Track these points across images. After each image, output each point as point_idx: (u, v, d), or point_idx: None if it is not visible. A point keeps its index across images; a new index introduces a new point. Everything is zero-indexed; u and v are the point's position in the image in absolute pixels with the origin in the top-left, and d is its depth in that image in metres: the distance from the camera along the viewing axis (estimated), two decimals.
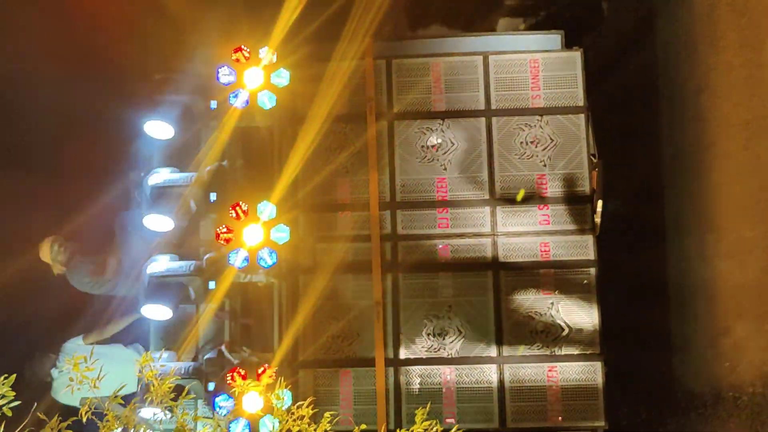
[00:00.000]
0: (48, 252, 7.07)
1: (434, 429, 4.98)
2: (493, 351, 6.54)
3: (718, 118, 6.70)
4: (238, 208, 6.07)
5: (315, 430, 4.87)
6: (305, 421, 4.88)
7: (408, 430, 5.22)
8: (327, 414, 5.07)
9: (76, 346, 6.87)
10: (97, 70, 7.64)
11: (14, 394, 4.20)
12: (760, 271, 5.99)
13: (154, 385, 4.71)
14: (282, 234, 6.09)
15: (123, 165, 7.06)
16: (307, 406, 4.98)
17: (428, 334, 6.59)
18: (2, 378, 4.16)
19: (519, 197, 6.65)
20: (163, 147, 6.82)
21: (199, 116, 6.76)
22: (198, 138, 6.88)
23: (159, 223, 6.52)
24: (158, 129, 6.68)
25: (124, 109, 6.90)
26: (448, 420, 6.34)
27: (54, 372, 6.80)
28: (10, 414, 4.23)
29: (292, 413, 4.97)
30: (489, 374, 6.53)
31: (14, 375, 4.18)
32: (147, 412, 4.81)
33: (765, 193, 5.96)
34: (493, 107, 6.87)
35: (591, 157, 6.90)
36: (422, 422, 5.02)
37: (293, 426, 4.92)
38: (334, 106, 6.83)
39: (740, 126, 6.34)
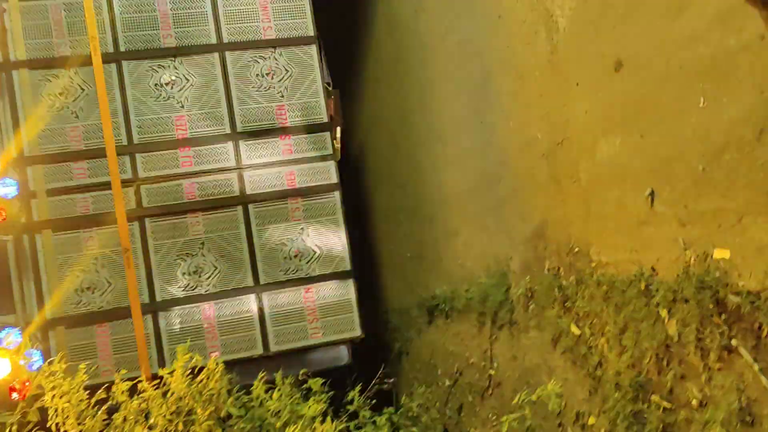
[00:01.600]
0: None
1: (194, 362, 5.10)
2: (250, 281, 6.73)
3: (430, 31, 7.24)
4: None
5: (70, 383, 4.77)
6: (59, 376, 4.75)
7: (170, 368, 5.29)
8: (82, 365, 4.97)
9: None
10: None
11: None
12: (478, 179, 6.70)
13: None
14: (10, 188, 5.70)
15: None
16: (59, 362, 4.85)
17: (183, 274, 6.59)
18: None
19: None
20: None
21: None
22: None
23: None
24: None
25: None
26: (212, 354, 6.44)
27: None
28: None
29: (44, 371, 4.81)
30: (248, 304, 6.72)
31: None
32: None
33: (476, 108, 6.62)
34: (225, 41, 6.86)
35: (326, 85, 7.19)
36: (182, 357, 5.11)
37: (46, 383, 4.77)
38: (52, 46, 6.39)
39: (455, 44, 6.93)
